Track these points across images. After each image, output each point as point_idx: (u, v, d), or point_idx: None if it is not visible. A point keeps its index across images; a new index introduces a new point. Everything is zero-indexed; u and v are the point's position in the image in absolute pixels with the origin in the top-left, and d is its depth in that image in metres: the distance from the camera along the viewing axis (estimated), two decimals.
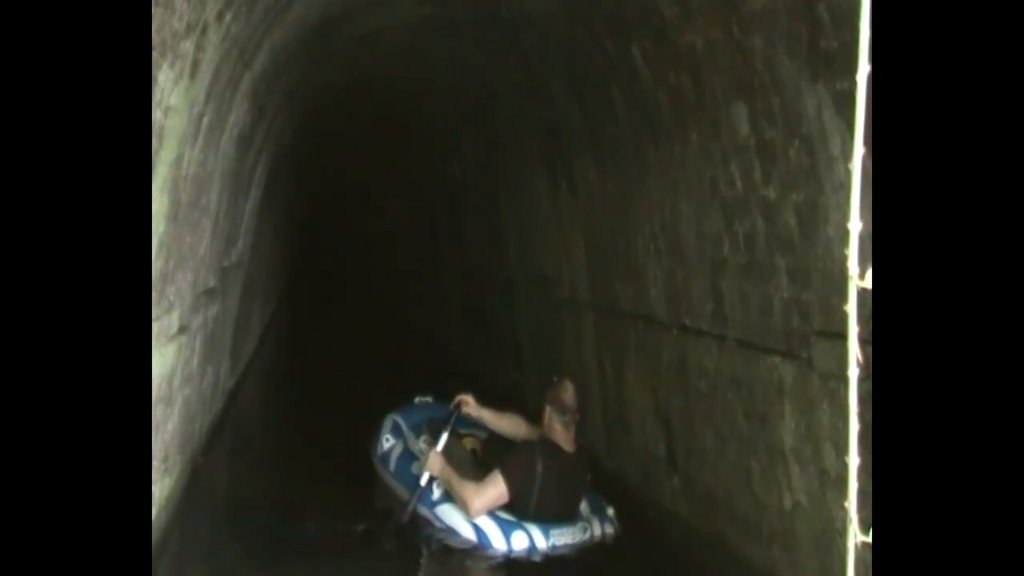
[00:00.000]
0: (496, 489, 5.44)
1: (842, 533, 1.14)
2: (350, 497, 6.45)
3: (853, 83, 1.12)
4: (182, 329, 5.52)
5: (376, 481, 6.63)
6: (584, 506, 5.66)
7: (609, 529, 5.59)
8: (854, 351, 1.14)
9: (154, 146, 4.03)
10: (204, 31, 4.35)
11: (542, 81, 7.20)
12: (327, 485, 6.77)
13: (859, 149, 1.13)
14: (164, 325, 4.89)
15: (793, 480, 4.30)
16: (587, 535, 5.49)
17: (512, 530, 5.39)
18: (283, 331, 16.93)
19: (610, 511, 5.69)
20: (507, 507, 5.50)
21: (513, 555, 5.33)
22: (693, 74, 4.86)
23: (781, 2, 3.86)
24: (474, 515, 5.46)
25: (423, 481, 5.75)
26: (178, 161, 4.65)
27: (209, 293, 6.82)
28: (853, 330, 1.14)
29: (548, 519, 5.43)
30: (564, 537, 5.41)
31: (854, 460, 1.13)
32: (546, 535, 5.37)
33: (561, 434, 5.57)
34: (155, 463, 4.95)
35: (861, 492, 1.19)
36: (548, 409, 5.60)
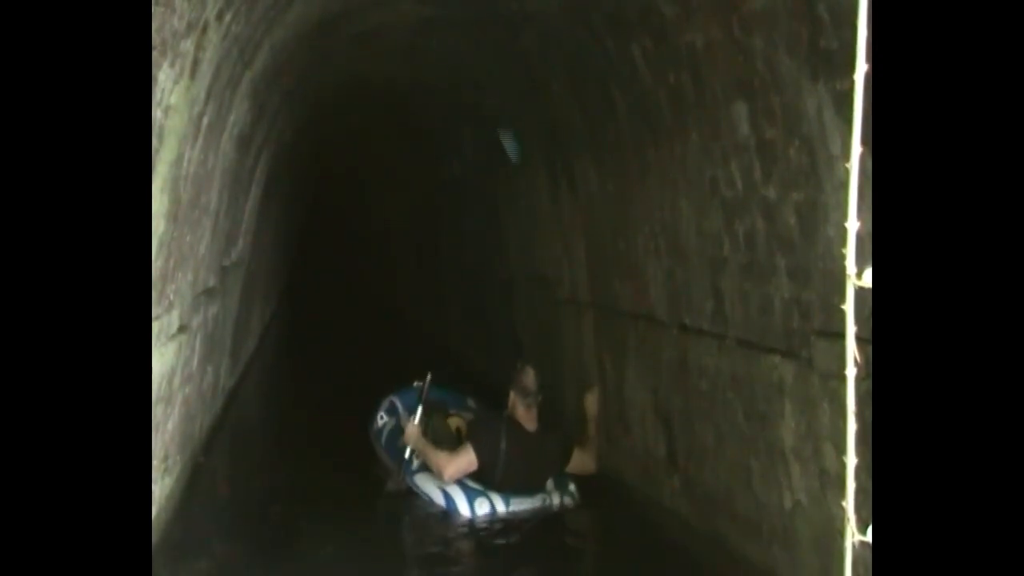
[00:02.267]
0: (466, 458, 6.16)
1: (841, 532, 1.14)
2: (350, 494, 6.47)
3: (852, 82, 1.12)
4: (182, 328, 5.52)
5: (372, 454, 7.28)
6: (549, 482, 6.22)
7: (568, 501, 6.16)
8: (852, 350, 1.14)
9: (154, 145, 4.03)
10: (204, 30, 4.35)
11: (542, 81, 7.19)
12: (327, 483, 6.78)
13: (857, 148, 1.13)
14: (164, 324, 4.89)
15: (793, 479, 4.30)
16: (545, 504, 6.07)
17: (476, 497, 6.03)
18: (283, 330, 16.92)
19: (571, 486, 6.24)
20: (476, 478, 6.13)
21: (477, 520, 5.92)
22: (693, 73, 4.86)
23: (781, 1, 3.86)
24: (447, 479, 6.16)
25: (406, 454, 6.53)
26: (178, 161, 4.65)
27: (209, 292, 6.82)
28: (851, 329, 1.15)
29: (513, 491, 6.04)
30: (523, 505, 6.03)
31: (852, 459, 1.13)
32: (506, 502, 6.00)
33: (523, 415, 6.29)
34: (155, 462, 4.96)
35: (861, 491, 1.19)
36: (512, 393, 6.32)
